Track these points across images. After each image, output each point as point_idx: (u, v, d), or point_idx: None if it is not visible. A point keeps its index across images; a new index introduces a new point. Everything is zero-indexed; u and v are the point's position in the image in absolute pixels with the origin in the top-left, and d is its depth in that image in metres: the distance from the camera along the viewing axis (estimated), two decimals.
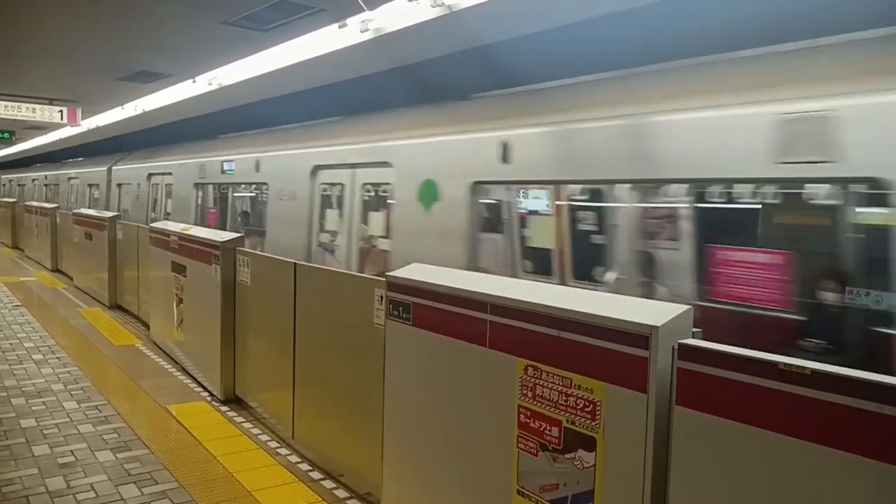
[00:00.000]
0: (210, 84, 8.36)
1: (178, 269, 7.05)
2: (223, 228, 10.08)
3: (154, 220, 11.23)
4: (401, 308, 3.62)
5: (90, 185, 17.54)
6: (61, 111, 11.70)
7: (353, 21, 5.35)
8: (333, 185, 7.36)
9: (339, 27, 5.50)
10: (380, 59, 6.07)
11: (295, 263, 5.07)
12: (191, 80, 8.66)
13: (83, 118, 12.42)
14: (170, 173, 11.95)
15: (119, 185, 15.27)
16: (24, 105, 11.40)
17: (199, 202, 11.25)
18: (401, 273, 3.73)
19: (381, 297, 3.86)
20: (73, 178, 19.47)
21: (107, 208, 15.05)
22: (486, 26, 4.87)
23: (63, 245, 14.33)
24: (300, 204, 7.53)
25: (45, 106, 11.55)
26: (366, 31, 5.29)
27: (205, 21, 5.78)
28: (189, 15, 5.68)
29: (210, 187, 11.14)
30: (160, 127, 12.66)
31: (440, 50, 5.60)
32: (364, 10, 4.98)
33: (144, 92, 9.97)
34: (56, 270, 14.84)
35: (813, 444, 1.98)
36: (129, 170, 14.75)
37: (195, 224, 9.84)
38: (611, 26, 4.30)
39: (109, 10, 5.71)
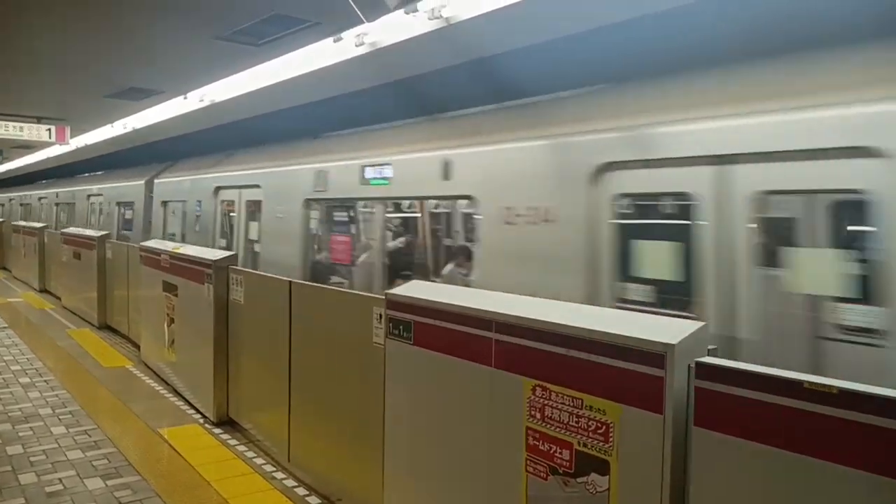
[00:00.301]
0: (202, 100, 8.28)
1: (170, 288, 6.92)
2: (371, 268, 7.18)
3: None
4: (401, 327, 3.53)
5: (120, 204, 14.12)
6: (49, 129, 11.60)
7: (349, 35, 5.29)
8: (653, 196, 4.58)
9: (335, 41, 5.44)
10: (378, 72, 6.00)
11: (290, 281, 4.96)
12: (182, 97, 8.60)
13: (72, 136, 12.32)
14: (256, 185, 8.70)
15: (164, 203, 11.90)
16: (11, 124, 11.29)
17: (314, 227, 7.87)
18: (401, 291, 3.64)
19: (380, 315, 3.76)
20: (94, 195, 15.63)
21: (148, 235, 11.80)
22: (484, 38, 4.83)
23: (51, 265, 14.11)
24: (562, 231, 4.59)
25: (33, 124, 11.44)
26: (361, 44, 5.24)
27: (198, 36, 5.73)
28: (182, 30, 5.62)
29: (336, 206, 7.88)
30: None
31: (439, 63, 5.55)
32: (363, 23, 4.92)
33: (135, 109, 9.89)
34: (44, 291, 14.62)
35: (839, 465, 1.90)
36: (180, 183, 11.19)
37: (311, 260, 7.48)
38: (616, 36, 4.26)
39: (100, 27, 5.65)
